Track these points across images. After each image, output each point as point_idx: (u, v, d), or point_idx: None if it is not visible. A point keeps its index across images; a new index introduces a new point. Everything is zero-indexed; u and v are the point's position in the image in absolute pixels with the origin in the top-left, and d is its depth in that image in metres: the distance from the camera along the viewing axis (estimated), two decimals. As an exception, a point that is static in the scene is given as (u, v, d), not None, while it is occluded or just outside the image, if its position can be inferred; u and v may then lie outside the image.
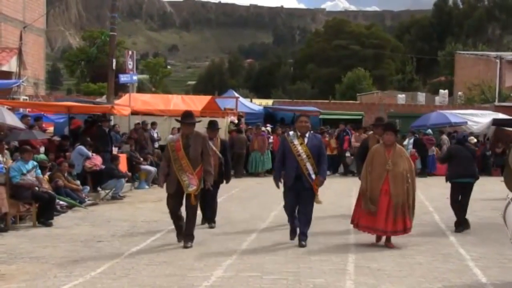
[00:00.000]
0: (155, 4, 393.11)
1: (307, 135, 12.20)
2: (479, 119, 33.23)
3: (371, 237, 12.60)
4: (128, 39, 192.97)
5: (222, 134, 28.06)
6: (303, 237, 12.16)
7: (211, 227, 14.27)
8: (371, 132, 17.75)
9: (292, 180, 12.04)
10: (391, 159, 12.15)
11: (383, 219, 12.02)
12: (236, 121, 31.06)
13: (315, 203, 12.29)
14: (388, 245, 12.20)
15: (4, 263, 10.73)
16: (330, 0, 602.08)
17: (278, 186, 12.31)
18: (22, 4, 36.52)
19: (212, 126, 14.79)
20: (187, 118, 12.23)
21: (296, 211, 12.38)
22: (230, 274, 9.85)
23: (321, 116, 35.80)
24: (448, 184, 14.82)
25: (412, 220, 12.33)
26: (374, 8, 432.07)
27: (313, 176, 12.03)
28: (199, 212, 13.17)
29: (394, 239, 12.34)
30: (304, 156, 11.98)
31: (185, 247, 11.86)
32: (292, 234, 12.44)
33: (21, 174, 14.91)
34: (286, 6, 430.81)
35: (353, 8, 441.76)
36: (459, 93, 54.54)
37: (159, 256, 11.11)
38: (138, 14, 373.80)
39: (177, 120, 13.33)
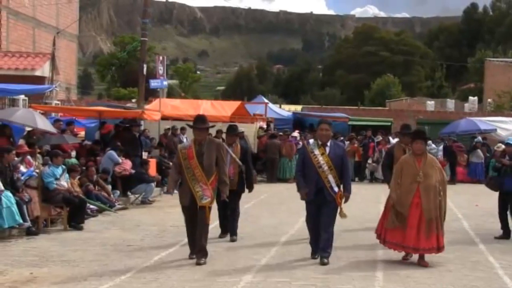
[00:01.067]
0: (185, 10, 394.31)
1: (328, 144, 11.18)
2: (508, 126, 32.99)
3: (400, 254, 11.59)
4: (159, 44, 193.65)
5: (251, 139, 28.30)
6: (325, 253, 11.12)
7: (233, 240, 13.34)
8: (397, 139, 17.64)
9: (312, 195, 11.09)
10: (422, 170, 11.10)
11: (414, 235, 11.03)
12: (264, 127, 31.14)
13: (338, 217, 11.34)
14: (422, 263, 11.12)
15: (35, 266, 10.87)
16: (359, 6, 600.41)
17: (305, 195, 11.21)
18: (56, 10, 36.93)
19: (231, 131, 13.86)
20: (199, 122, 11.28)
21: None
22: (259, 279, 9.90)
23: (350, 122, 35.81)
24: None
25: (443, 236, 11.32)
26: (404, 14, 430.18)
27: (336, 189, 11.05)
28: (215, 225, 13.16)
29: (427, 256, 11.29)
30: (325, 167, 11.01)
31: (198, 263, 10.85)
32: (314, 254, 11.45)
33: (55, 179, 15.09)
34: (315, 12, 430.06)
35: (382, 14, 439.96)
36: (489, 100, 54.20)
37: (188, 260, 11.17)
38: (168, 20, 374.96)
39: (188, 126, 12.46)
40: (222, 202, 12.76)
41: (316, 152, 11.13)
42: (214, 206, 12.24)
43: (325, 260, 11.03)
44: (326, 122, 11.48)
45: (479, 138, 30.83)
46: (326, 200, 11.06)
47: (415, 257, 11.37)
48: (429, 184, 11.08)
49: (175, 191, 11.66)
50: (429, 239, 11.03)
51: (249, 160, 14.04)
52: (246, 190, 13.94)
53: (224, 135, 26.03)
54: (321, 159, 11.05)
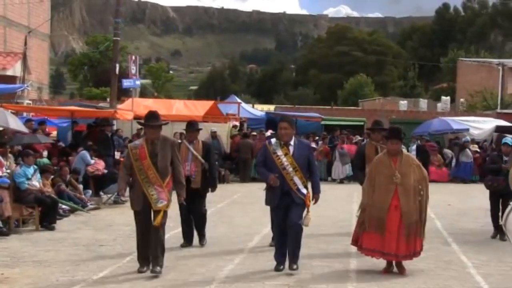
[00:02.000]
0: (158, 10, 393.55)
1: (292, 143, 10.28)
2: (481, 126, 33.26)
3: (377, 262, 10.80)
4: (131, 44, 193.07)
5: (224, 138, 28.30)
6: (294, 258, 10.28)
7: (202, 245, 12.60)
8: (367, 138, 17.50)
9: (277, 199, 10.17)
10: (399, 169, 10.26)
11: (394, 240, 10.20)
12: (237, 125, 31.13)
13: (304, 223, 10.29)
14: (401, 271, 10.47)
15: (7, 266, 10.78)
16: (332, 6, 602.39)
17: (276, 183, 10.09)
18: (27, 9, 36.67)
19: (191, 127, 12.91)
20: (151, 119, 10.32)
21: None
22: (232, 278, 9.93)
23: (323, 122, 35.86)
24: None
25: (423, 239, 10.56)
26: (377, 14, 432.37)
27: (304, 191, 10.20)
28: (178, 231, 12.77)
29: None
30: (290, 169, 10.11)
31: (153, 271, 10.02)
32: (279, 266, 10.41)
33: (26, 179, 14.98)
34: (288, 12, 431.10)
35: (355, 14, 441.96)
36: (461, 100, 54.57)
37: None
38: (141, 19, 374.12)
39: (139, 123, 11.77)
40: (185, 207, 11.98)
41: (279, 152, 10.24)
42: (177, 213, 12.18)
43: (294, 266, 10.23)
44: (286, 120, 10.52)
45: (467, 137, 30.94)
46: (294, 203, 10.16)
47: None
48: (408, 184, 10.24)
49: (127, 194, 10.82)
50: (409, 245, 10.29)
51: (212, 158, 13.14)
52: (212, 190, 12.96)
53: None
54: (284, 160, 10.17)
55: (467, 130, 32.60)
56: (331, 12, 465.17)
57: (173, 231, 13.30)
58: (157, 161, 10.13)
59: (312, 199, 10.34)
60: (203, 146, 12.83)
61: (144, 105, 30.35)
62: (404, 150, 10.85)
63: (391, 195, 10.26)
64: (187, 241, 12.61)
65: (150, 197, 10.06)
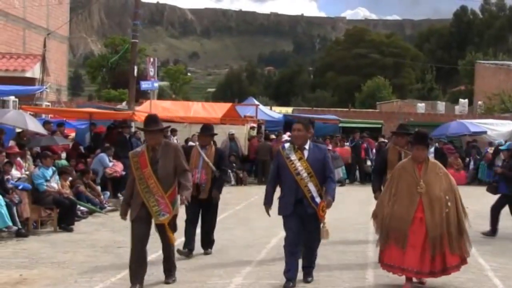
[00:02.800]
0: (176, 12, 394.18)
1: (306, 146, 9.58)
2: (498, 128, 33.10)
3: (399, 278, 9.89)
4: (149, 46, 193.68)
5: (242, 140, 28.31)
6: (308, 269, 9.93)
7: (206, 253, 11.95)
8: (390, 142, 17.29)
9: (291, 207, 9.45)
10: (424, 178, 9.35)
11: (417, 255, 9.25)
12: (255, 127, 31.14)
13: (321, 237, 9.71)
14: (421, 280, 9.78)
15: (25, 268, 10.84)
16: (350, 8, 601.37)
17: (268, 213, 9.75)
18: (46, 11, 36.87)
19: (205, 131, 12.15)
20: (151, 123, 9.49)
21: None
22: (250, 281, 9.90)
23: (340, 125, 35.87)
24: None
25: (460, 253, 9.56)
26: (395, 17, 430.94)
27: (318, 200, 9.42)
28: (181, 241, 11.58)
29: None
30: (304, 174, 9.40)
31: (167, 283, 9.71)
32: (289, 283, 9.48)
33: (45, 181, 15.07)
34: (306, 14, 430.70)
35: (373, 16, 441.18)
36: (479, 102, 54.33)
37: (179, 262, 11.15)
38: (159, 22, 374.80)
39: (138, 128, 11.14)
40: (191, 214, 11.60)
41: (293, 157, 9.52)
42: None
43: (309, 279, 9.85)
44: (300, 122, 9.76)
45: (501, 140, 30.66)
46: (307, 213, 9.43)
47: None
48: (433, 195, 9.29)
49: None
50: (435, 261, 9.34)
51: (225, 166, 12.40)
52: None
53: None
54: (298, 165, 9.45)
55: (485, 132, 32.46)
56: (349, 14, 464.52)
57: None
58: (158, 168, 9.26)
59: (325, 209, 9.43)
60: (215, 153, 12.00)
61: (162, 106, 30.46)
62: (431, 157, 9.99)
63: (415, 206, 9.30)
64: (187, 247, 11.73)
65: (151, 209, 9.23)
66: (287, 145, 9.85)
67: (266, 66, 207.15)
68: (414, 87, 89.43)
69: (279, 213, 9.67)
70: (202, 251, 12.03)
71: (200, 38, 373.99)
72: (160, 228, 9.44)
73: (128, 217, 9.44)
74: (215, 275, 10.32)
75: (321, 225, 9.56)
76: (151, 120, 9.60)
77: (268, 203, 9.75)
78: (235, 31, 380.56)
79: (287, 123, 35.43)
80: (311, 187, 9.45)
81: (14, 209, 13.95)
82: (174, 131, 26.99)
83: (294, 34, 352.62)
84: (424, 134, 9.83)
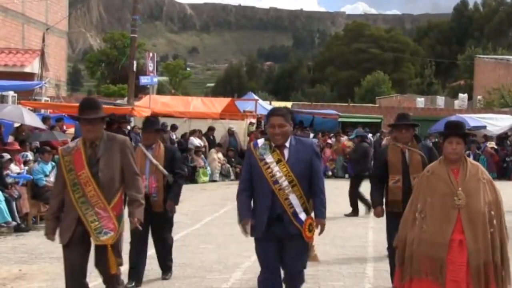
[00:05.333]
0: (175, 7, 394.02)
1: (288, 144, 6.90)
2: (498, 123, 33.11)
3: None
4: (149, 41, 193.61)
5: (241, 136, 28.29)
6: None
7: (164, 278, 9.69)
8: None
9: (264, 226, 6.76)
10: (462, 185, 6.68)
11: None
12: (254, 122, 31.16)
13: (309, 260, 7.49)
14: None
15: (25, 263, 10.83)
16: (350, 3, 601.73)
17: (247, 233, 6.88)
18: (45, 6, 36.84)
19: (148, 126, 9.54)
20: (87, 110, 6.89)
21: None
22: (249, 276, 9.86)
23: (340, 119, 35.89)
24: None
25: (505, 286, 6.75)
26: (394, 11, 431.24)
27: (302, 216, 6.78)
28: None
29: None
30: (284, 183, 6.75)
31: None
32: None
33: (44, 176, 15.07)
34: (305, 9, 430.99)
35: (373, 11, 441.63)
36: (479, 97, 54.41)
37: (178, 258, 11.14)
38: (158, 17, 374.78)
39: (71, 117, 9.22)
40: (140, 234, 8.74)
41: (269, 159, 6.84)
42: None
43: None
44: (278, 113, 6.94)
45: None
46: (289, 233, 6.79)
47: None
48: (475, 208, 6.63)
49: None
50: None
51: (179, 168, 9.65)
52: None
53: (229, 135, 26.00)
54: (276, 170, 6.79)
55: (484, 127, 32.46)
56: (348, 9, 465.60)
57: (190, 228, 13.30)
58: (98, 170, 6.77)
59: (316, 227, 6.92)
60: (165, 152, 9.45)
61: (162, 102, 30.45)
62: (470, 158, 7.24)
63: (453, 224, 6.65)
64: (134, 280, 9.29)
65: (88, 226, 6.72)
66: (260, 141, 7.04)
67: (265, 61, 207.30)
68: (413, 81, 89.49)
69: (251, 234, 6.91)
70: (201, 246, 12.01)
71: (200, 33, 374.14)
72: (100, 252, 6.81)
73: (57, 237, 6.95)
74: (214, 270, 10.32)
75: (309, 249, 7.35)
76: (88, 105, 6.97)
77: (246, 217, 6.86)
78: (234, 26, 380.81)
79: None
80: (294, 199, 6.78)
81: (14, 204, 13.96)
82: (174, 128, 26.97)
83: (293, 29, 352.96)
84: (459, 124, 7.21)
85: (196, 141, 26.29)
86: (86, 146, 6.84)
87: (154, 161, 9.25)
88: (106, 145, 6.86)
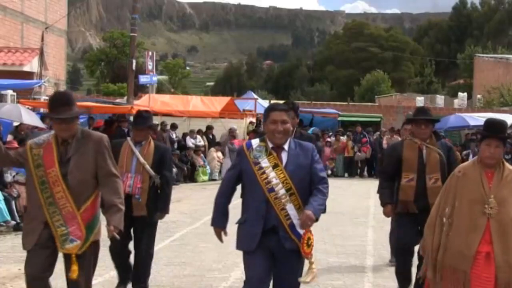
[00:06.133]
0: (174, 6, 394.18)
1: (286, 146, 6.06)
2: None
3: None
4: (148, 40, 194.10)
5: (241, 135, 28.29)
6: None
7: None
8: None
9: (257, 240, 5.96)
10: (495, 192, 6.01)
11: None
12: (254, 121, 31.15)
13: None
14: None
15: (22, 262, 10.78)
16: (349, 2, 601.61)
17: (221, 239, 6.34)
18: (44, 5, 36.80)
19: (141, 122, 8.57)
20: (58, 105, 6.09)
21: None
22: (248, 275, 9.88)
23: (339, 118, 35.93)
24: None
25: None
26: (394, 10, 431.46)
27: (301, 229, 5.88)
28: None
29: None
30: (281, 191, 5.90)
31: None
32: None
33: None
34: (305, 8, 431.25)
35: (372, 10, 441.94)
36: (478, 96, 54.40)
37: (177, 256, 11.16)
38: (158, 15, 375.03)
39: (45, 114, 7.32)
40: (120, 244, 8.04)
41: (264, 163, 6.00)
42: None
43: None
44: (281, 108, 6.15)
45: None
46: (284, 250, 5.96)
47: None
48: (507, 219, 5.97)
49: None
50: None
51: (168, 169, 8.75)
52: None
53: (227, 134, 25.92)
54: (272, 176, 5.94)
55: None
56: (348, 8, 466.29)
57: (190, 226, 13.28)
58: (68, 171, 6.03)
59: (300, 219, 5.84)
60: (155, 151, 8.51)
61: (161, 101, 30.44)
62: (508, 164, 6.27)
63: (480, 234, 5.97)
64: (123, 284, 8.75)
65: (55, 231, 6.05)
66: (255, 142, 6.21)
67: (265, 60, 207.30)
68: (413, 80, 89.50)
69: (238, 247, 6.24)
70: (200, 245, 11.97)
71: (199, 32, 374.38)
72: (67, 258, 6.19)
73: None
74: (214, 269, 10.31)
75: (309, 267, 6.05)
76: (60, 101, 6.15)
77: (219, 222, 6.31)
78: (234, 25, 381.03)
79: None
80: (291, 210, 5.94)
81: (13, 203, 13.94)
82: (174, 127, 26.92)
83: (293, 28, 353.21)
84: (501, 123, 6.34)
85: (190, 141, 26.25)
86: (58, 142, 6.12)
87: (142, 160, 8.34)
88: (80, 143, 6.10)
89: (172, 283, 9.42)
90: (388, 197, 8.40)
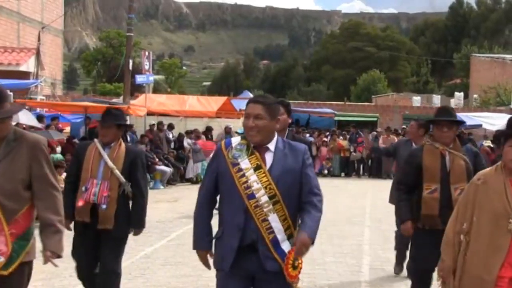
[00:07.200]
0: (171, 5, 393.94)
1: (271, 145, 5.01)
2: (494, 122, 33.12)
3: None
4: (144, 39, 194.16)
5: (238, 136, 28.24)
6: None
7: None
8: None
9: (232, 256, 4.90)
10: None
11: None
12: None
13: None
14: None
15: (20, 261, 10.78)
16: (346, 2, 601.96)
17: (208, 266, 5.21)
18: (41, 5, 36.80)
19: (108, 119, 7.35)
20: None
21: None
22: None
23: (336, 118, 35.93)
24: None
25: None
26: (391, 10, 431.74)
27: (285, 246, 4.86)
28: None
29: None
30: (263, 198, 4.82)
31: None
32: None
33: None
34: (301, 7, 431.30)
35: (369, 10, 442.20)
36: (475, 95, 54.45)
37: (174, 256, 11.15)
38: (154, 15, 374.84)
39: None
40: (82, 252, 7.45)
41: (244, 164, 4.93)
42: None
43: None
44: (257, 101, 5.07)
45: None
46: (265, 271, 4.87)
47: None
48: None
49: None
50: None
51: (141, 175, 7.47)
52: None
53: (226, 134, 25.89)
54: (253, 180, 4.87)
55: (480, 126, 32.49)
56: (344, 7, 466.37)
57: (186, 226, 13.27)
58: None
59: (294, 244, 4.78)
60: (126, 154, 7.32)
61: (158, 101, 30.43)
62: None
63: (503, 256, 4.96)
64: None
65: None
66: (235, 140, 5.15)
67: (261, 60, 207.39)
68: (409, 80, 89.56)
69: (214, 265, 5.19)
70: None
71: (195, 31, 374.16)
72: None
73: None
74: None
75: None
76: None
77: (201, 244, 5.18)
78: (230, 24, 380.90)
79: (282, 117, 35.47)
80: (274, 222, 4.85)
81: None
82: (170, 127, 26.89)
83: (289, 28, 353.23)
84: None
85: (186, 141, 26.23)
86: None
87: (110, 164, 7.15)
88: (10, 146, 4.87)
89: (169, 283, 9.42)
90: (408, 211, 7.20)
